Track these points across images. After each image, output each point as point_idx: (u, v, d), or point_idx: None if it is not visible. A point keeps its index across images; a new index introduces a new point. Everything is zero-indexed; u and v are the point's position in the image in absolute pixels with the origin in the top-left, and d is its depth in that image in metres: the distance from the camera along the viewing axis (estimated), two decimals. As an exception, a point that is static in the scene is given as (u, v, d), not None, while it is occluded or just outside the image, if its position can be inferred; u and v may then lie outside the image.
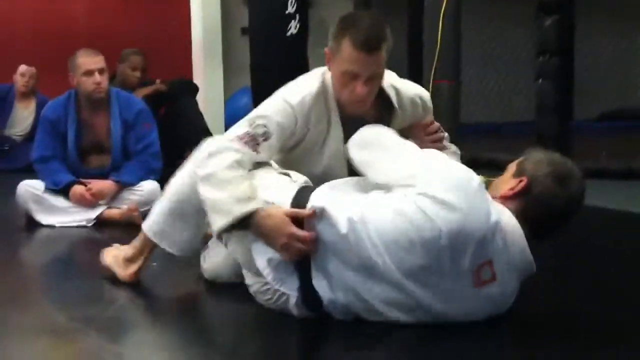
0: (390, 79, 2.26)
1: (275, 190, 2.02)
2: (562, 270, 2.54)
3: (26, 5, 7.43)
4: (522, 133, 5.73)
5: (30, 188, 3.61)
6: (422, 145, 2.15)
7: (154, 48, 6.22)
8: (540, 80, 4.81)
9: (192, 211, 2.17)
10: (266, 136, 2.10)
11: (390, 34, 2.09)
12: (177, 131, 4.83)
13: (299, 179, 2.10)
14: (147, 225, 2.33)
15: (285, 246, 1.90)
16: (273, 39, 7.16)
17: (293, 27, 7.05)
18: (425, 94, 2.37)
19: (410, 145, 2.06)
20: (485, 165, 4.93)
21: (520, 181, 1.92)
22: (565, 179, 1.91)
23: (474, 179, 1.86)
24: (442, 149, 2.29)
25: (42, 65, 6.21)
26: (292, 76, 6.94)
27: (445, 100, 4.69)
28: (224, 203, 1.97)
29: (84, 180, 3.64)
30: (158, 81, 4.96)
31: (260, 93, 7.75)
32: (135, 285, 2.35)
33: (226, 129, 8.00)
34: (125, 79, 4.83)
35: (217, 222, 1.99)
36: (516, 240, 1.86)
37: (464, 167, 1.94)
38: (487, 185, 1.96)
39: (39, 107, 5.27)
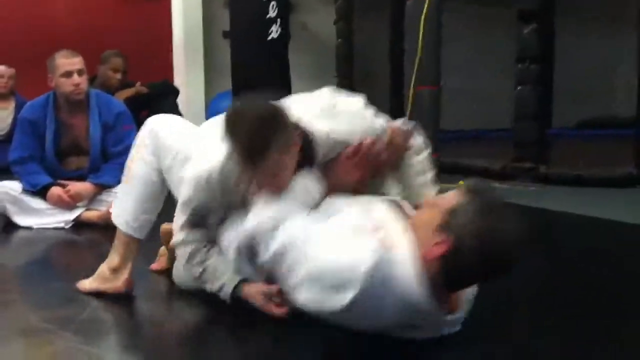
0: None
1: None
2: (541, 276, 2.55)
3: (5, 5, 7.38)
4: (501, 140, 5.78)
5: (7, 189, 3.59)
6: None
7: (135, 50, 6.20)
8: (519, 87, 4.85)
9: (156, 195, 2.31)
10: (202, 214, 2.09)
11: (280, 130, 1.86)
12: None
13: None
14: (122, 222, 2.33)
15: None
16: (254, 43, 7.16)
17: (274, 32, 7.06)
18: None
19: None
20: (464, 170, 4.98)
21: (442, 243, 1.70)
22: (494, 246, 1.68)
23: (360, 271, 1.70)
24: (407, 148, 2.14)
25: (21, 66, 6.16)
26: (272, 79, 7.00)
27: (426, 105, 4.71)
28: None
29: (62, 182, 3.62)
30: (138, 83, 4.94)
31: (242, 95, 7.73)
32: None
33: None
34: (106, 80, 4.80)
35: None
36: (424, 306, 1.73)
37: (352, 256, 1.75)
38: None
39: (18, 108, 5.24)
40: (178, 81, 7.79)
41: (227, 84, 7.52)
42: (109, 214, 3.48)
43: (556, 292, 2.37)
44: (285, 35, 7.31)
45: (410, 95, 4.71)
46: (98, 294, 2.29)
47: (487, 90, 7.01)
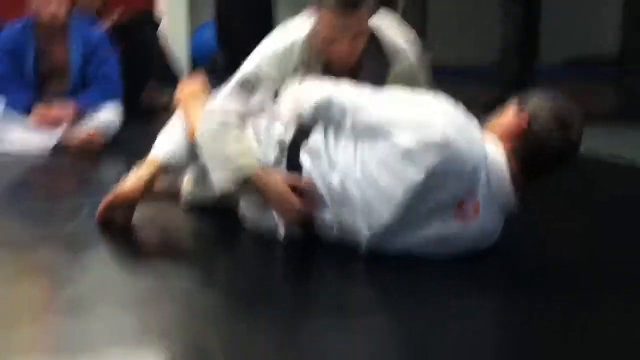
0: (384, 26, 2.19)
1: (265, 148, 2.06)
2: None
3: None
4: (488, 75, 5.76)
5: (-14, 114, 3.56)
6: None
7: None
8: (504, 23, 4.82)
9: None
10: (254, 86, 2.13)
11: None
12: (142, 62, 4.77)
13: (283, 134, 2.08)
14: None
15: (288, 215, 1.99)
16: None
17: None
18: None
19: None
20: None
21: (522, 117, 1.89)
22: (566, 121, 1.88)
23: (461, 115, 1.88)
24: None
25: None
26: (257, 10, 6.87)
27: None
28: (221, 162, 2.04)
29: (42, 105, 3.59)
30: (118, 11, 4.86)
31: (225, 27, 7.69)
32: (96, 204, 2.33)
33: (191, 62, 7.97)
34: (85, 6, 4.71)
35: (220, 178, 2.05)
36: (499, 176, 1.87)
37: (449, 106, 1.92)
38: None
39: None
40: (160, 10, 7.67)
41: (210, 14, 7.42)
42: (88, 137, 3.50)
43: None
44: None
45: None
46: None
47: (473, 26, 6.96)
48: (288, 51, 2.11)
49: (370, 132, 1.89)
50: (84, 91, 3.68)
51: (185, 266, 1.95)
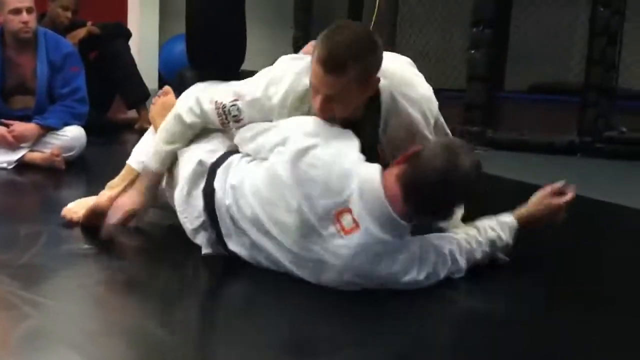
0: (396, 80, 2.04)
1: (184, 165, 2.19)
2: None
3: None
4: (454, 101, 5.83)
5: (-52, 128, 3.52)
6: None
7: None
8: (472, 51, 4.90)
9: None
10: (236, 119, 2.16)
11: (363, 58, 1.88)
12: (110, 75, 4.75)
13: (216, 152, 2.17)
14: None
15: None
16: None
17: (231, -21, 6.94)
18: (433, 103, 2.16)
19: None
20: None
21: (413, 150, 1.89)
22: (454, 151, 1.84)
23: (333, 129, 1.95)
24: None
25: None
26: (227, 27, 6.86)
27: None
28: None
29: (6, 122, 3.56)
30: (89, 23, 4.83)
31: (195, 40, 7.66)
32: (55, 231, 2.34)
33: (160, 75, 7.87)
34: (55, 19, 4.68)
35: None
36: (372, 194, 1.84)
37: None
38: None
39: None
40: (132, 22, 7.63)
41: (181, 27, 7.39)
42: (52, 156, 3.48)
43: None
44: (242, -17, 7.20)
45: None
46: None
47: (442, 50, 7.04)
48: (281, 101, 2.07)
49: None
50: (50, 109, 3.65)
51: (141, 300, 1.94)
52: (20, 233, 2.37)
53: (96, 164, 3.65)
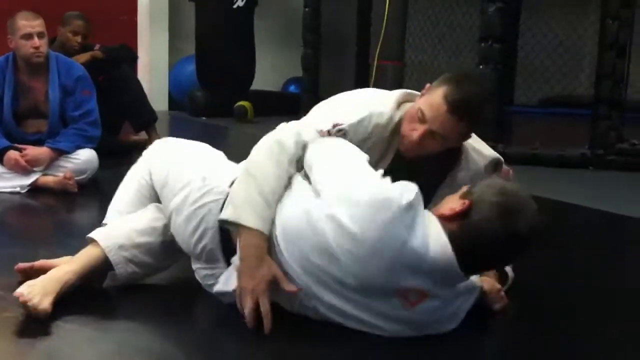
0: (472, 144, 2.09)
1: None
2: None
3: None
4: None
5: (-38, 152, 3.54)
6: None
7: (98, 11, 6.10)
8: (480, 66, 4.90)
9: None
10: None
11: (481, 113, 1.97)
12: (117, 98, 4.77)
13: None
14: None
15: (246, 292, 1.81)
16: (220, 10, 7.12)
17: (240, 0, 7.02)
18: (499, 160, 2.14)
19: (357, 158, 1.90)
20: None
21: (463, 203, 1.74)
22: (511, 214, 1.70)
23: (394, 202, 1.70)
24: None
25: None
26: (237, 47, 6.92)
27: (389, 81, 4.74)
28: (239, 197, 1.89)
29: (19, 146, 3.58)
30: (97, 47, 4.87)
31: (205, 61, 7.73)
32: (70, 253, 2.33)
33: (170, 95, 7.90)
34: (66, 43, 4.72)
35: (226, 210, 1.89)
36: (444, 263, 1.71)
37: (387, 187, 1.76)
38: None
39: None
40: (142, 44, 7.71)
41: (191, 48, 7.46)
42: (65, 179, 3.50)
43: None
44: (251, 3, 7.27)
45: (374, 69, 4.74)
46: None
47: (450, 67, 7.05)
48: (381, 127, 2.01)
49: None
50: (62, 133, 3.67)
51: (156, 321, 1.94)
52: (37, 256, 2.37)
53: (108, 186, 3.66)
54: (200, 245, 1.98)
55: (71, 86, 3.73)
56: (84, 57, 4.64)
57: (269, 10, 7.85)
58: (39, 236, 2.94)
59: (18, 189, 3.50)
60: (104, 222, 2.23)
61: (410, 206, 1.70)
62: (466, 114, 1.91)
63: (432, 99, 1.93)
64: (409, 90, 2.12)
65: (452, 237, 1.71)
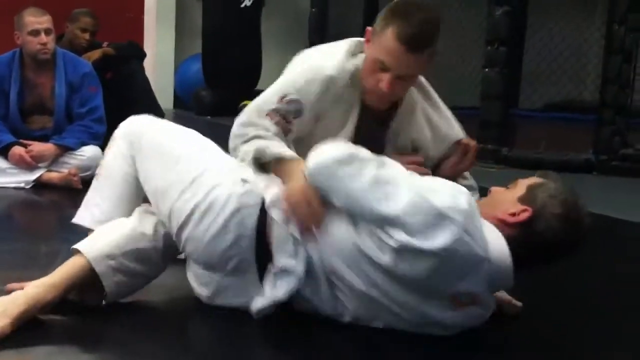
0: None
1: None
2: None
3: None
4: (467, 118, 5.84)
5: (-34, 148, 3.56)
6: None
7: (104, 9, 6.11)
8: (486, 69, 4.90)
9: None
10: (297, 114, 1.94)
11: (438, 38, 1.87)
12: (125, 95, 4.77)
13: None
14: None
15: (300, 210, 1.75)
16: (227, 9, 7.13)
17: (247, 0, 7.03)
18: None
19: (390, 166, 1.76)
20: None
21: (525, 210, 1.73)
22: (574, 227, 1.74)
23: (459, 208, 1.64)
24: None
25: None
26: (243, 47, 6.90)
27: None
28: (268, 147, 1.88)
29: (24, 142, 3.60)
30: (105, 44, 4.87)
31: (211, 60, 7.74)
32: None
33: (176, 94, 7.91)
34: (73, 40, 4.72)
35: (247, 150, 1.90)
36: (502, 268, 1.70)
37: (449, 193, 1.70)
38: None
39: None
40: (148, 42, 7.72)
41: (197, 47, 7.47)
42: (69, 175, 3.51)
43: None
44: (259, 3, 7.28)
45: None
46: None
47: (456, 69, 7.05)
48: (338, 74, 1.93)
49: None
50: (68, 129, 3.69)
51: (159, 327, 1.93)
52: (40, 251, 2.38)
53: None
54: (231, 253, 1.80)
55: (77, 83, 3.75)
56: (96, 54, 4.64)
57: (276, 11, 7.87)
58: (42, 232, 2.95)
59: (22, 185, 3.51)
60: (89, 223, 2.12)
61: (468, 212, 1.65)
62: (425, 45, 1.84)
63: (385, 43, 1.84)
64: (358, 39, 2.03)
65: (509, 242, 1.70)
